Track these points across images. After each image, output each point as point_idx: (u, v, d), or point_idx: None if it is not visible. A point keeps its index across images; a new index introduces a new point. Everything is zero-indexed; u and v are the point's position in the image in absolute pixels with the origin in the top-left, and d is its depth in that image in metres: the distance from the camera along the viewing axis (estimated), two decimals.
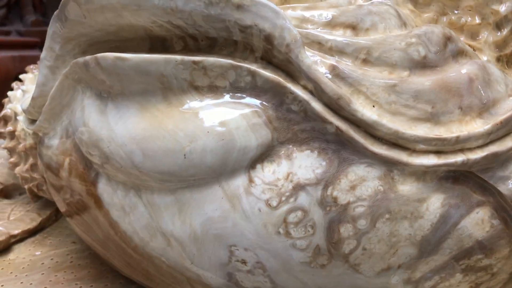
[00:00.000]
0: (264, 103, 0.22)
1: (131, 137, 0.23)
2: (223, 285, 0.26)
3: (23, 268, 0.37)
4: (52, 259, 0.39)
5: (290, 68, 0.22)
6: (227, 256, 0.24)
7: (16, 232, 0.40)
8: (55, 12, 0.25)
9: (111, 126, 0.23)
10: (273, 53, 0.22)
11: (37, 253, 0.40)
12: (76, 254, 0.39)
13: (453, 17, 0.27)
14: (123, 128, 0.23)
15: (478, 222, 0.23)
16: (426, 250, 0.23)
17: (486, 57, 0.27)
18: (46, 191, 0.41)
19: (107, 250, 0.30)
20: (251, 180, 0.22)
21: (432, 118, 0.21)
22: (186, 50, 0.24)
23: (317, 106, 0.21)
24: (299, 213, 0.22)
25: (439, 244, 0.23)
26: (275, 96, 0.22)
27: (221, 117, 0.22)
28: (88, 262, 0.38)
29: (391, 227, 0.22)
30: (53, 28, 0.26)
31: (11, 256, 0.39)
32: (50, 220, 0.44)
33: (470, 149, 0.22)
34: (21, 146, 0.39)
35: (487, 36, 0.27)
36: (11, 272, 0.37)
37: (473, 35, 0.28)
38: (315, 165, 0.22)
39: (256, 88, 0.22)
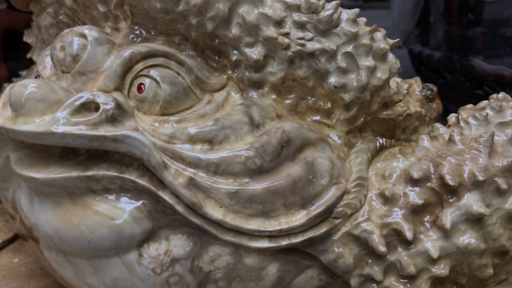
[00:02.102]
0: (145, 201, 0.30)
1: (50, 226, 0.30)
2: None
3: (4, 275, 0.47)
4: (26, 266, 0.48)
5: (160, 178, 0.29)
6: None
7: None
8: None
9: (36, 216, 0.31)
10: (146, 167, 0.29)
11: (15, 260, 0.49)
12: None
13: (310, 102, 0.34)
14: (44, 219, 0.31)
15: (308, 279, 0.31)
16: None
17: (336, 132, 0.34)
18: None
19: (55, 277, 0.39)
20: (140, 255, 0.30)
21: (263, 215, 0.29)
22: (88, 154, 0.31)
23: (180, 208, 0.29)
24: (177, 277, 0.31)
25: None
26: (152, 196, 0.29)
27: (112, 214, 0.29)
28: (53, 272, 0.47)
29: (242, 285, 0.31)
30: None
31: None
32: None
33: (294, 234, 0.29)
34: None
35: (339, 115, 0.34)
36: None
37: (328, 114, 0.34)
38: (185, 245, 0.30)
39: (138, 190, 0.30)
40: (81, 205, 0.30)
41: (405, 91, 0.40)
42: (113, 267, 0.31)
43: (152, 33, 0.34)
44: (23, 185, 0.33)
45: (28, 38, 0.48)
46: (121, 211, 0.29)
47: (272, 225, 0.29)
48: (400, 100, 0.37)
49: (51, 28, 0.43)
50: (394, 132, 0.38)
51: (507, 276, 0.33)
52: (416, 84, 0.42)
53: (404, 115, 0.38)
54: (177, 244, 0.30)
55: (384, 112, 0.36)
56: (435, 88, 0.42)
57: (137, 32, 0.34)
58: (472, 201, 0.29)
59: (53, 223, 0.30)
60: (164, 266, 0.30)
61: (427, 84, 0.43)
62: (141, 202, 0.30)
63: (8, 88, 0.30)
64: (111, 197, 0.30)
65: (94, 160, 0.30)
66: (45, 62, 0.34)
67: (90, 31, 0.31)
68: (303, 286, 0.31)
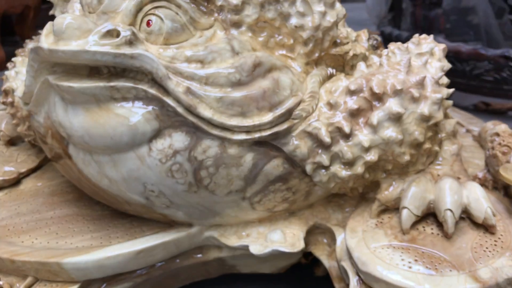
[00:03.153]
0: (153, 107, 0.40)
1: (81, 126, 0.41)
2: (145, 203, 0.45)
3: (30, 194, 0.57)
4: (49, 188, 0.58)
5: (165, 88, 0.39)
6: (143, 188, 0.43)
7: (23, 170, 0.60)
8: (32, 47, 0.42)
9: (70, 120, 0.41)
10: (155, 79, 0.39)
11: (38, 184, 0.59)
12: (65, 184, 0.59)
13: (277, 39, 0.44)
14: (76, 121, 0.41)
15: (274, 166, 0.42)
16: (248, 182, 0.42)
17: (297, 64, 0.44)
18: (37, 143, 0.59)
19: (80, 184, 0.49)
20: (150, 149, 0.41)
21: (242, 115, 0.39)
22: (109, 73, 0.41)
23: (180, 110, 0.39)
24: (178, 165, 0.41)
25: (254, 179, 0.42)
26: (159, 103, 0.40)
27: (130, 116, 0.40)
28: (72, 189, 0.58)
29: (227, 170, 0.41)
30: (32, 55, 0.43)
31: (21, 187, 0.59)
32: (45, 160, 0.63)
33: (264, 129, 0.40)
34: (19, 114, 0.57)
35: (299, 49, 0.44)
36: (23, 197, 0.57)
37: (291, 50, 0.45)
38: (184, 140, 0.40)
39: (148, 98, 0.40)
40: (105, 110, 0.40)
41: (354, 39, 0.51)
42: (129, 160, 0.42)
43: None
44: (58, 101, 0.43)
45: None
46: (135, 113, 0.40)
47: (248, 122, 0.39)
48: (347, 42, 0.47)
49: None
50: (344, 68, 0.49)
51: (424, 167, 0.44)
52: (364, 34, 0.52)
53: (352, 54, 0.48)
54: (178, 140, 0.40)
55: (334, 49, 0.46)
56: (379, 38, 0.53)
57: None
58: (392, 104, 0.40)
59: (84, 124, 0.40)
60: (168, 157, 0.41)
61: (374, 35, 0.54)
62: (151, 107, 0.40)
63: (49, 23, 0.40)
64: (128, 103, 0.40)
65: (115, 76, 0.40)
66: (73, 7, 0.44)
67: None
68: (271, 172, 0.42)
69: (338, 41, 0.47)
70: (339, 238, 0.45)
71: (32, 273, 0.47)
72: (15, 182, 0.59)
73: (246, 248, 0.45)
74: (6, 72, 0.60)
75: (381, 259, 0.39)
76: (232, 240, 0.47)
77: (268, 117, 0.40)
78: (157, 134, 0.41)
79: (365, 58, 0.50)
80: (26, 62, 0.61)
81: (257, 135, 0.40)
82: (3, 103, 0.60)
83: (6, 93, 0.60)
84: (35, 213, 0.54)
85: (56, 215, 0.53)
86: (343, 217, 0.47)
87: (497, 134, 0.49)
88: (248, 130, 0.40)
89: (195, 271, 0.54)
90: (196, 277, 0.55)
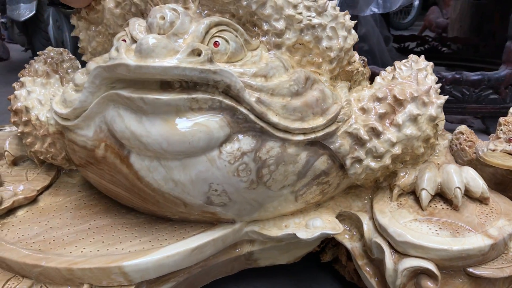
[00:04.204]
0: (226, 115, 0.46)
1: (160, 135, 0.45)
2: (203, 204, 0.50)
3: (54, 210, 0.58)
4: (70, 203, 0.60)
5: (237, 99, 0.46)
6: (208, 188, 0.49)
7: (38, 188, 0.60)
8: (101, 65, 0.46)
9: (148, 129, 0.46)
10: (230, 91, 0.46)
11: (57, 200, 0.60)
12: (86, 198, 0.61)
13: (309, 58, 0.53)
14: (155, 130, 0.45)
15: (322, 162, 0.50)
16: (300, 177, 0.50)
17: (324, 78, 0.54)
18: (57, 160, 0.61)
19: (128, 192, 0.53)
20: (220, 152, 0.47)
21: (301, 119, 0.48)
22: (181, 88, 0.46)
23: (252, 116, 0.46)
24: (244, 165, 0.48)
25: (305, 174, 0.50)
26: (231, 111, 0.46)
27: (206, 123, 0.46)
28: (97, 202, 0.60)
29: (285, 167, 0.49)
30: (97, 71, 0.46)
31: (40, 204, 0.59)
32: (55, 178, 0.64)
33: (318, 131, 0.48)
34: (36, 132, 0.58)
35: (325, 67, 0.54)
36: (48, 213, 0.57)
37: (319, 67, 0.54)
38: (251, 143, 0.47)
39: (221, 108, 0.46)
40: (183, 118, 0.46)
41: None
42: (200, 163, 0.47)
43: (212, 10, 0.51)
44: (124, 113, 0.47)
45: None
46: (212, 121, 0.46)
47: (307, 125, 0.48)
48: (355, 61, 0.58)
49: (115, 9, 0.56)
50: (350, 82, 0.60)
51: (428, 158, 0.56)
52: (357, 55, 0.64)
53: (355, 71, 0.59)
54: (246, 143, 0.47)
55: (349, 67, 0.57)
56: (365, 59, 0.65)
57: (200, 9, 0.51)
58: (412, 108, 0.51)
59: (163, 133, 0.45)
60: (236, 158, 0.47)
61: (361, 57, 0.65)
62: (222, 115, 0.46)
63: (123, 43, 0.45)
64: (204, 113, 0.46)
65: (186, 90, 0.46)
66: (135, 29, 0.49)
67: (178, 7, 0.47)
68: (319, 167, 0.50)
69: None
70: (365, 221, 0.54)
71: (88, 280, 0.50)
72: (32, 200, 0.59)
73: (292, 236, 0.53)
74: (16, 92, 0.61)
75: (413, 230, 0.49)
76: (274, 231, 0.54)
77: (321, 120, 0.48)
78: (227, 139, 0.47)
79: (362, 75, 0.61)
80: (37, 81, 0.63)
81: (312, 136, 0.48)
82: (14, 122, 0.61)
83: (18, 112, 0.60)
84: (70, 226, 0.56)
85: (94, 226, 0.56)
86: (363, 204, 0.57)
87: (461, 133, 0.63)
88: (305, 132, 0.48)
89: (223, 268, 0.60)
90: (220, 275, 0.61)
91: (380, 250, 0.52)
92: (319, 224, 0.53)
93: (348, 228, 0.58)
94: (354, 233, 0.57)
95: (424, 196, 0.53)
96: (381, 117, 0.51)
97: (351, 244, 0.56)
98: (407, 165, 0.55)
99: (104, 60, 0.52)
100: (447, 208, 0.53)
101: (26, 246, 0.52)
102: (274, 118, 0.46)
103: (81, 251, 0.51)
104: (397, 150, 0.51)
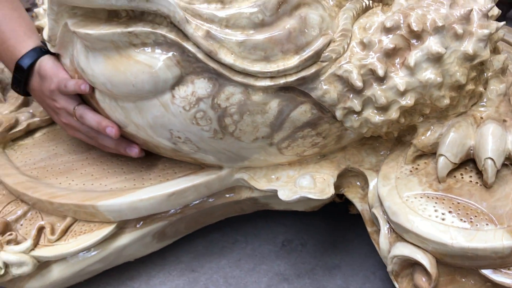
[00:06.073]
0: (174, 53, 0.38)
1: (103, 74, 0.40)
2: (173, 147, 0.45)
3: (67, 134, 0.58)
4: None
5: (184, 32, 0.37)
6: (170, 134, 0.42)
7: None
8: None
9: (92, 67, 0.40)
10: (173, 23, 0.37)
11: None
12: None
13: None
14: (97, 69, 0.40)
15: (302, 112, 0.40)
16: (274, 129, 0.40)
17: (331, 1, 0.40)
18: None
19: None
20: (173, 96, 0.39)
21: (265, 59, 0.37)
22: (128, 17, 0.39)
23: (200, 56, 0.37)
24: (202, 113, 0.40)
25: (281, 126, 0.40)
26: (179, 48, 0.38)
27: (150, 62, 0.38)
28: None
29: (252, 117, 0.40)
30: None
31: (58, 126, 0.59)
32: None
33: (289, 74, 0.37)
34: None
35: None
36: (60, 137, 0.58)
37: None
38: (206, 87, 0.39)
39: (168, 43, 0.38)
40: (125, 56, 0.39)
41: None
42: (153, 107, 0.41)
43: None
44: (79, 46, 0.42)
45: None
46: (156, 60, 0.38)
47: (272, 67, 0.37)
48: None
49: None
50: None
51: (465, 110, 0.41)
52: None
53: None
54: (200, 86, 0.39)
55: None
56: None
57: None
58: (432, 43, 0.36)
59: (105, 72, 0.39)
60: (191, 104, 0.39)
61: None
62: (171, 53, 0.38)
63: None
64: (148, 49, 0.38)
65: (133, 21, 0.38)
66: None
67: None
68: (298, 118, 0.40)
69: None
70: (372, 183, 0.43)
71: (71, 214, 0.49)
72: (52, 121, 0.60)
73: (274, 192, 0.45)
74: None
75: (413, 210, 0.37)
76: (262, 183, 0.46)
77: (294, 60, 0.37)
78: (179, 81, 0.39)
79: None
80: None
81: (282, 80, 0.37)
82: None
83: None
84: (72, 153, 0.55)
85: (91, 157, 0.54)
86: (377, 160, 0.45)
87: None
88: (272, 75, 0.37)
89: (229, 209, 0.54)
90: (231, 214, 0.56)
91: (379, 223, 0.41)
92: (305, 184, 0.43)
93: (360, 185, 0.47)
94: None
95: (441, 164, 0.39)
96: (388, 55, 0.37)
97: (362, 206, 0.46)
98: (429, 119, 0.40)
99: None
100: (476, 183, 0.38)
101: (26, 172, 0.53)
102: (227, 58, 0.37)
103: (69, 183, 0.51)
104: (407, 101, 0.37)
